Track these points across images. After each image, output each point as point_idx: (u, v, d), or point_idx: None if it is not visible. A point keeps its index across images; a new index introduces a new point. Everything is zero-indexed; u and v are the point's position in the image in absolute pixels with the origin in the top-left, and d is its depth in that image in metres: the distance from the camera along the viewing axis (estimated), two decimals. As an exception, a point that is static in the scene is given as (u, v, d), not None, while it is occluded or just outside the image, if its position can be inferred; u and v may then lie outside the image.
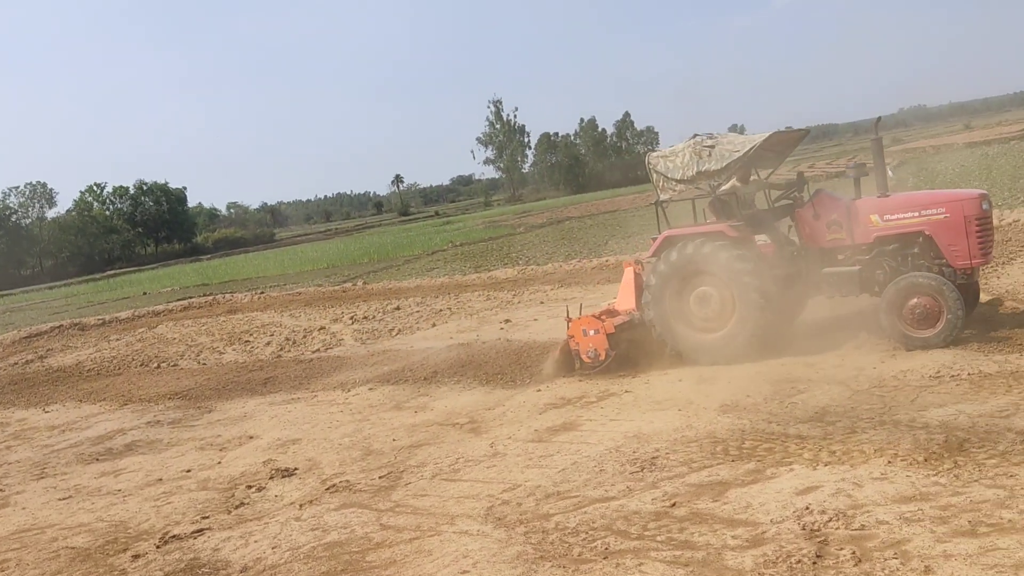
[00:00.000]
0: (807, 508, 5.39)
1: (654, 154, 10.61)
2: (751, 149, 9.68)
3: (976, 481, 5.42)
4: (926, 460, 5.86)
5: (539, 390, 10.04)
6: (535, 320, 14.98)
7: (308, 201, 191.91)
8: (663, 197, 10.60)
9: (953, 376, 7.69)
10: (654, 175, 10.56)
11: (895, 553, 4.66)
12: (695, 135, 10.25)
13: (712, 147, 9.88)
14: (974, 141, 53.84)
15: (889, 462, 5.94)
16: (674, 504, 5.91)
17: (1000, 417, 6.46)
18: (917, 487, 5.46)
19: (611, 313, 10.68)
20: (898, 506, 5.23)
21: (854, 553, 4.72)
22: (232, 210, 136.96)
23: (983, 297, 10.45)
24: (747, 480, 6.13)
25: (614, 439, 7.65)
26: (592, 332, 10.16)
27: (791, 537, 5.07)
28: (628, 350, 10.26)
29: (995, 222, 16.54)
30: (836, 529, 5.07)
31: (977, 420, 6.49)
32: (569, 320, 10.38)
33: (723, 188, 10.17)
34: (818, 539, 4.98)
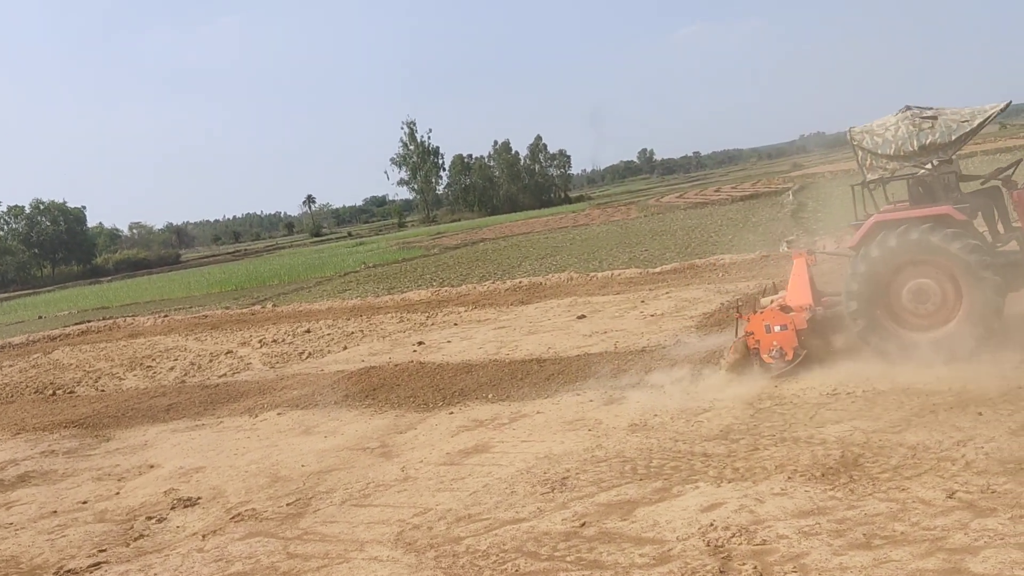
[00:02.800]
0: (711, 525, 5.52)
1: (857, 128, 9.36)
2: (986, 120, 8.61)
3: (870, 495, 5.64)
4: (823, 475, 6.08)
5: (452, 412, 10.00)
6: (448, 342, 14.95)
7: (216, 221, 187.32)
8: (871, 177, 9.36)
9: (849, 393, 8.00)
10: (859, 152, 9.39)
11: (794, 567, 4.81)
12: (907, 106, 9.11)
13: (934, 118, 8.77)
14: (869, 167, 56.38)
15: (789, 478, 6.14)
16: (584, 524, 5.97)
17: (893, 432, 6.75)
18: (815, 502, 5.66)
19: (784, 309, 9.31)
20: (797, 521, 5.40)
21: (755, 568, 4.86)
22: (135, 230, 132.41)
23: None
24: (654, 498, 6.24)
25: (526, 460, 7.68)
26: (778, 328, 8.89)
27: (696, 554, 5.18)
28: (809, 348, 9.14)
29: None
30: (739, 545, 5.20)
31: (871, 435, 6.76)
32: (743, 316, 9.29)
33: (941, 165, 8.88)
34: (722, 555, 5.10)
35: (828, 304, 9.47)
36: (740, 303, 9.76)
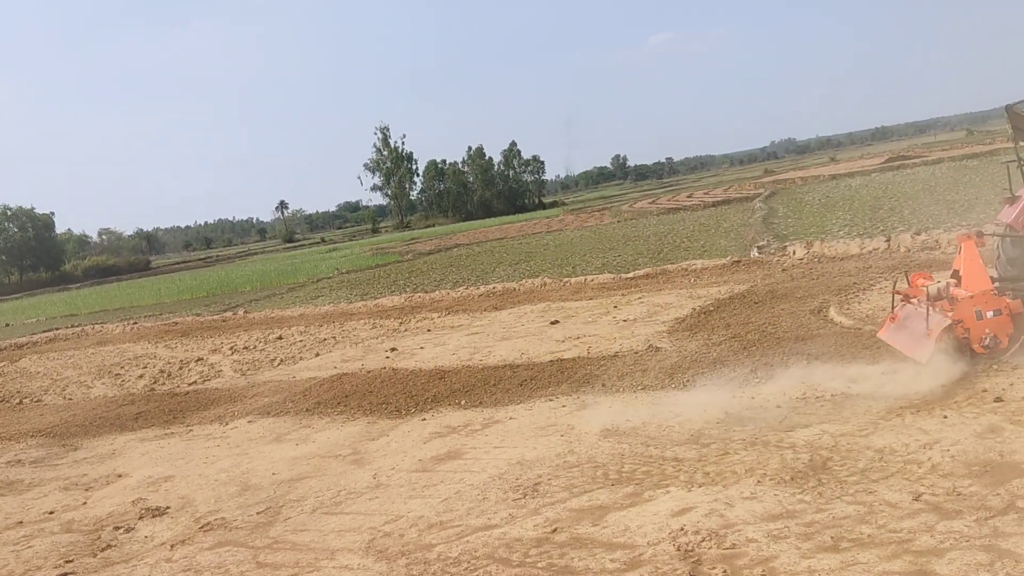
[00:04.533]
0: (682, 529, 5.55)
1: (1020, 106, 8.99)
2: None
3: (838, 498, 5.70)
4: (792, 479, 6.13)
5: (424, 419, 9.97)
6: (422, 348, 14.90)
7: (187, 227, 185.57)
8: None
9: (818, 397, 8.08)
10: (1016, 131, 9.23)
11: (763, 571, 4.85)
12: None
13: None
14: (839, 173, 57.04)
15: (759, 482, 6.18)
16: (555, 530, 5.97)
17: (860, 436, 6.82)
18: (784, 505, 5.70)
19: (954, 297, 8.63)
20: (766, 524, 5.44)
21: (725, 571, 4.89)
22: (104, 237, 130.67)
23: (845, 322, 11.05)
24: (626, 503, 6.25)
25: (498, 466, 7.67)
26: (991, 314, 8.17)
27: (666, 558, 5.20)
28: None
29: (857, 251, 17.64)
30: (709, 549, 5.23)
31: (839, 439, 6.83)
32: (948, 300, 8.48)
33: None
34: (692, 559, 5.13)
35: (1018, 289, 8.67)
36: (930, 286, 8.80)
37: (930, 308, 8.37)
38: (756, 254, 19.72)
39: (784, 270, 17.00)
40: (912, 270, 9.54)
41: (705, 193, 62.26)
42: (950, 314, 8.20)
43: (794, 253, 18.73)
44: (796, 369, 9.12)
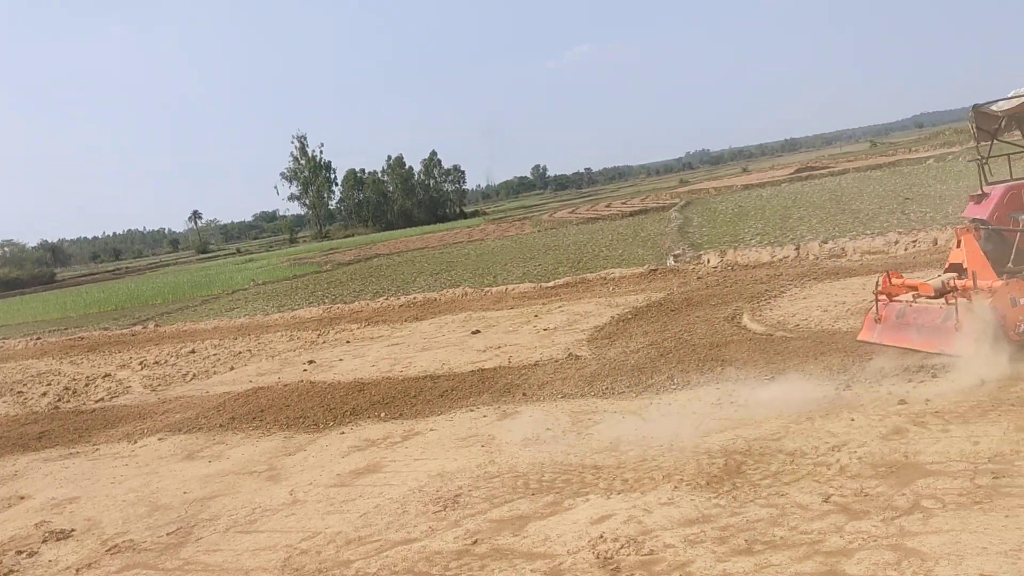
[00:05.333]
0: (601, 537, 5.58)
1: None
2: None
3: (752, 501, 5.81)
4: (708, 484, 6.23)
5: (343, 432, 9.81)
6: (340, 360, 14.69)
7: (95, 239, 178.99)
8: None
9: (732, 403, 8.25)
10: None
11: (680, 575, 4.90)
12: None
13: None
14: (751, 183, 58.64)
15: (676, 487, 6.27)
16: (476, 541, 5.93)
17: (772, 440, 6.99)
18: (700, 510, 5.79)
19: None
20: (683, 529, 5.51)
21: (643, 578, 4.92)
22: (6, 248, 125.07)
23: (757, 329, 11.33)
24: (546, 513, 6.26)
25: (418, 479, 7.59)
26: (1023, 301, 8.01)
27: (586, 567, 5.22)
28: None
29: (768, 259, 18.14)
30: (627, 555, 5.27)
31: (753, 443, 6.98)
32: (987, 286, 8.22)
33: None
34: (611, 566, 5.16)
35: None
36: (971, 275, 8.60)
37: (948, 302, 8.28)
38: (672, 263, 20.09)
39: (699, 278, 17.36)
40: (889, 271, 9.67)
41: (623, 203, 63.21)
42: (988, 303, 7.97)
43: (708, 261, 19.15)
44: (711, 375, 9.31)
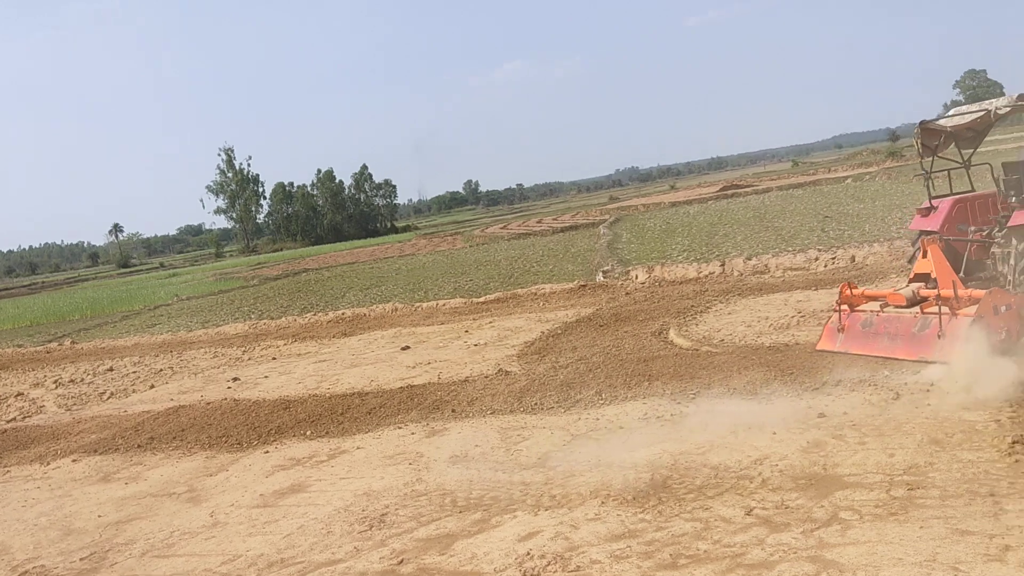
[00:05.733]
0: (528, 553, 5.56)
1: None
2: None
3: (677, 515, 5.87)
4: (634, 499, 6.27)
5: (267, 452, 9.59)
6: (266, 377, 14.39)
7: (9, 252, 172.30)
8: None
9: (659, 417, 8.34)
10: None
11: (606, 591, 4.91)
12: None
13: None
14: (678, 200, 59.76)
15: (603, 503, 6.29)
16: (401, 561, 5.85)
17: (697, 454, 7.08)
18: (626, 525, 5.82)
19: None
20: (609, 545, 5.53)
21: (570, 595, 4.91)
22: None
23: (684, 344, 11.50)
24: (473, 530, 6.21)
25: (344, 498, 7.46)
26: (1003, 308, 8.29)
27: (513, 585, 5.19)
28: None
29: (694, 274, 18.47)
30: (554, 572, 5.26)
31: (679, 457, 7.06)
32: (967, 295, 8.47)
33: None
34: (537, 584, 5.13)
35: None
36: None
37: (924, 310, 8.56)
38: (602, 278, 20.29)
39: (627, 294, 17.56)
40: (845, 282, 9.89)
41: (554, 219, 63.68)
42: (972, 311, 8.19)
43: (637, 277, 19.40)
44: (638, 390, 9.40)
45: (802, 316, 11.95)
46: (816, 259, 17.17)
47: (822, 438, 6.93)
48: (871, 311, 9.28)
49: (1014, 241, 9.00)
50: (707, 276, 18.20)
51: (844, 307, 9.51)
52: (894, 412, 7.29)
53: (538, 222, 62.21)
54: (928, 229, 9.83)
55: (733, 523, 5.58)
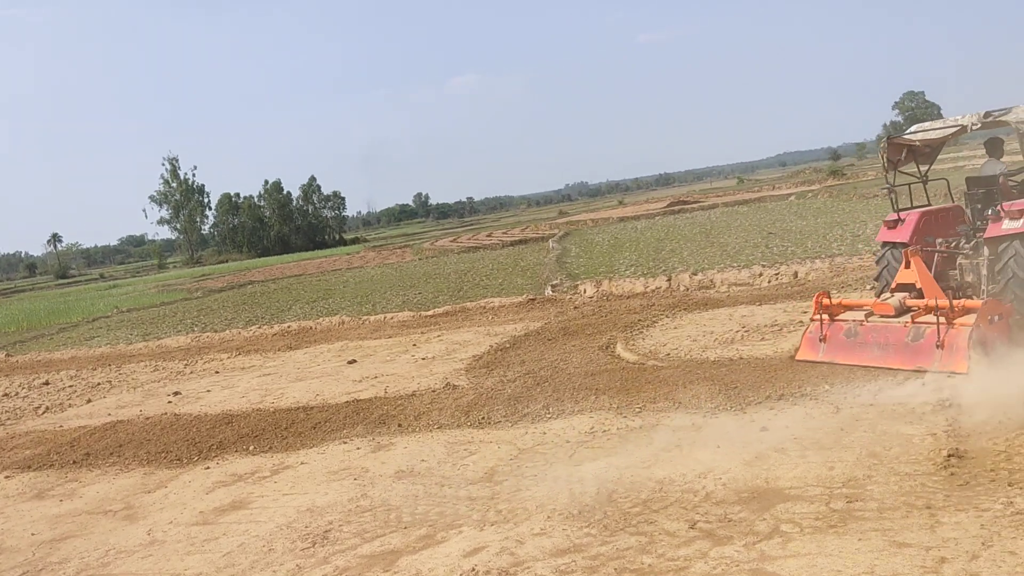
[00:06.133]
0: (473, 569, 5.52)
1: None
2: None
3: (622, 529, 5.89)
4: (580, 513, 6.28)
5: (208, 468, 9.39)
6: (208, 391, 14.11)
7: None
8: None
9: (605, 432, 8.37)
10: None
11: (551, 606, 4.90)
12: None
13: None
14: (627, 216, 60.32)
15: (548, 517, 6.28)
16: (345, 579, 5.76)
17: (643, 468, 7.12)
18: (572, 539, 5.82)
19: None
20: (555, 559, 5.52)
21: (515, 611, 4.88)
22: None
23: (630, 358, 11.58)
24: (418, 547, 6.15)
25: (286, 515, 7.34)
26: (996, 318, 8.39)
27: (457, 601, 5.14)
28: None
29: (641, 289, 18.64)
30: (499, 588, 5.23)
31: (624, 471, 7.09)
32: (959, 305, 8.53)
33: None
34: (482, 600, 5.09)
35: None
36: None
37: (914, 320, 8.69)
38: (550, 292, 20.36)
39: (576, 308, 17.64)
40: (820, 292, 10.00)
41: (504, 232, 63.76)
42: (970, 320, 8.31)
43: (585, 291, 19.51)
44: (585, 404, 9.43)
45: (746, 331, 12.13)
46: (760, 275, 17.46)
47: (765, 451, 7.02)
48: (854, 321, 9.38)
49: (986, 251, 9.27)
50: (654, 291, 18.38)
51: (823, 317, 9.59)
52: (834, 426, 7.42)
53: (488, 236, 62.25)
54: (896, 240, 10.07)
55: (677, 536, 5.61)
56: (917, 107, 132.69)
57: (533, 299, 19.67)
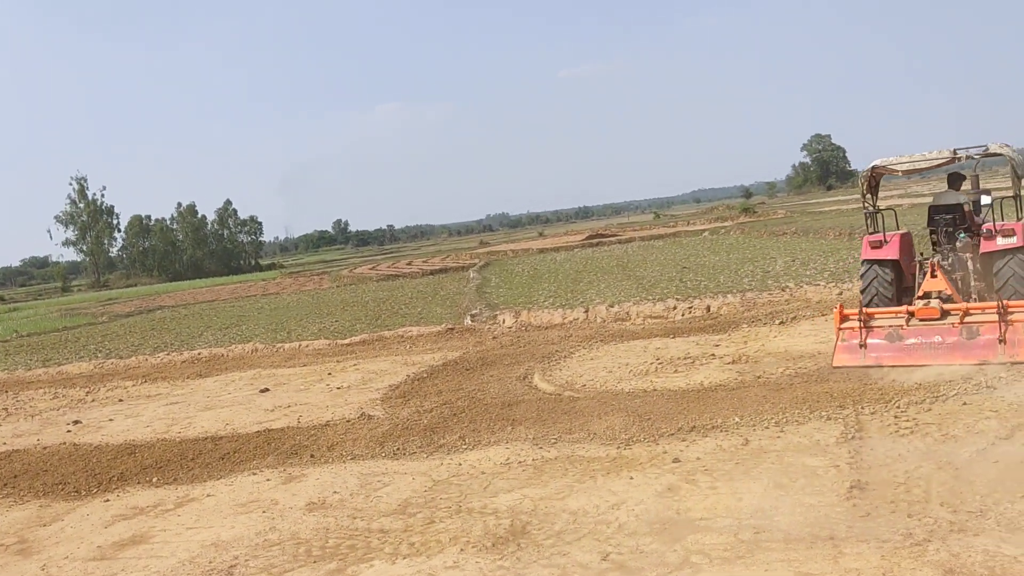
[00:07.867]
0: (384, 605, 5.42)
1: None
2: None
3: (535, 562, 5.88)
4: (494, 545, 6.25)
5: (108, 500, 9.01)
6: (111, 420, 13.57)
7: None
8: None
9: (520, 462, 8.37)
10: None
11: (462, 641, 4.84)
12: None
13: None
14: (546, 247, 60.82)
15: (462, 550, 6.23)
16: (250, 616, 5.58)
17: (557, 499, 7.14)
18: (485, 572, 5.78)
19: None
20: (467, 593, 5.47)
21: (425, 646, 4.81)
22: None
23: (547, 388, 11.64)
24: (328, 582, 6.01)
25: (189, 549, 7.08)
26: None
27: (367, 638, 5.03)
28: None
29: (559, 320, 18.79)
30: (410, 624, 5.14)
31: (539, 503, 7.10)
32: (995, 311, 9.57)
33: None
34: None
35: None
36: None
37: (963, 320, 9.72)
38: (469, 322, 20.33)
39: (495, 338, 17.66)
40: (841, 303, 11.00)
41: (424, 261, 63.52)
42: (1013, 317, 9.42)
43: (504, 322, 19.55)
44: (502, 434, 9.42)
45: (660, 363, 12.34)
46: (674, 308, 17.81)
47: (676, 483, 7.13)
48: (894, 325, 10.18)
49: (970, 264, 10.79)
50: (572, 322, 18.53)
51: (856, 324, 10.30)
52: (743, 457, 7.59)
53: (408, 264, 61.92)
54: (884, 258, 11.10)
55: (590, 568, 5.63)
56: (824, 149, 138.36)
57: (452, 328, 19.61)
